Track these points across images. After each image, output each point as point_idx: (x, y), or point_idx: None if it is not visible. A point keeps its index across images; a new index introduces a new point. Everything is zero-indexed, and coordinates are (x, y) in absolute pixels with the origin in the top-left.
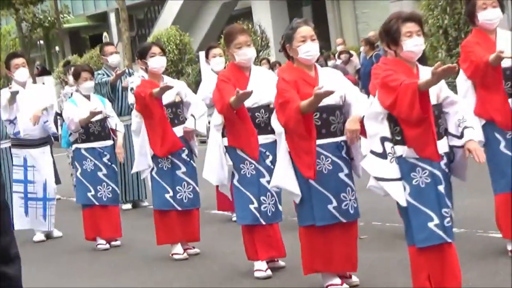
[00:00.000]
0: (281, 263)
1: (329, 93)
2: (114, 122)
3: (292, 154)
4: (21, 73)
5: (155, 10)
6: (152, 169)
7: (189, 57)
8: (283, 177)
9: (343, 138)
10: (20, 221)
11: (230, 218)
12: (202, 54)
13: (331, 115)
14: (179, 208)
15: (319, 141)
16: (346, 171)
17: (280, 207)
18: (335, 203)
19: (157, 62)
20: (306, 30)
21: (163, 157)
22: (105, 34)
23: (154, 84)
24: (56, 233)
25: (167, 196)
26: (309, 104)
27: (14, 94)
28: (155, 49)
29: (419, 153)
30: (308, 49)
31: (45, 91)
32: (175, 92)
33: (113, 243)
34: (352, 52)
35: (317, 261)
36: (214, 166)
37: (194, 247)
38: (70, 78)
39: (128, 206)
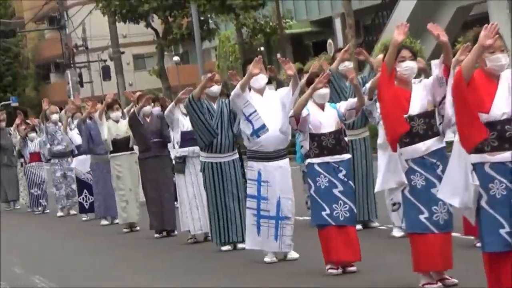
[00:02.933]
0: None
1: None
2: None
3: None
4: (258, 79)
5: (384, 16)
6: (404, 187)
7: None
8: None
9: None
10: (251, 240)
11: (473, 244)
12: (434, 63)
13: None
14: (436, 231)
15: None
16: None
17: None
18: None
19: (407, 67)
20: None
21: (416, 174)
22: (329, 41)
23: (402, 91)
24: (293, 254)
25: (421, 217)
26: None
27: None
28: (405, 53)
29: None
30: None
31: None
32: (427, 100)
33: (348, 268)
34: None
35: None
36: (457, 186)
37: (451, 277)
38: None
39: (359, 226)
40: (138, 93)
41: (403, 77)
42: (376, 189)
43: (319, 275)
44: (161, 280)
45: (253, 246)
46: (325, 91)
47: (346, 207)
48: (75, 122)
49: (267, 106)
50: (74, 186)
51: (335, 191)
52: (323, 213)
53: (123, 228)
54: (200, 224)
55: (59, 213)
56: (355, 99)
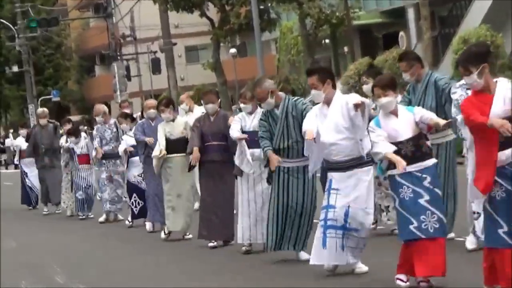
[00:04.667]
0: None
1: None
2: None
3: None
4: (315, 96)
5: (462, 6)
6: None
7: (502, 62)
8: None
9: None
10: (316, 255)
11: None
12: None
13: None
14: None
15: None
16: None
17: None
18: None
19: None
20: None
21: (496, 184)
22: (401, 33)
23: (483, 97)
24: (362, 268)
25: (500, 231)
26: None
27: None
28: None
29: None
30: None
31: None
32: (510, 105)
33: (422, 284)
34: None
35: None
36: None
37: None
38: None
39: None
40: (190, 95)
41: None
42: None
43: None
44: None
45: (318, 261)
46: (387, 99)
47: (434, 217)
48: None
49: (331, 117)
50: (119, 191)
51: (421, 201)
52: (411, 226)
53: (163, 235)
54: (249, 234)
55: (101, 218)
56: (431, 115)
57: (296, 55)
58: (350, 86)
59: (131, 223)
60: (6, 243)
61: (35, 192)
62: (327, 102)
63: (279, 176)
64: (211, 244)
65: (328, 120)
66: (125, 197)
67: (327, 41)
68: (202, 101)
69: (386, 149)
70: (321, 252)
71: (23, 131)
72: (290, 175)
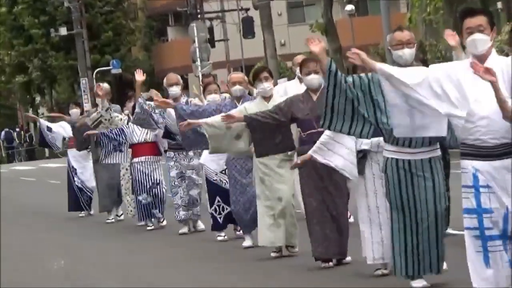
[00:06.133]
0: None
1: None
2: None
3: None
4: (475, 41)
5: None
6: None
7: None
8: None
9: None
10: (477, 275)
11: None
12: None
13: None
14: None
15: None
16: None
17: None
18: None
19: None
20: None
21: None
22: None
23: None
24: None
25: None
26: None
27: None
28: None
29: None
30: None
31: None
32: None
33: None
34: None
35: None
36: None
37: None
38: None
39: None
40: (300, 56)
41: None
42: None
43: None
44: None
45: (482, 284)
46: None
47: None
48: (209, 98)
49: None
50: (194, 192)
51: None
52: None
53: (272, 252)
54: (383, 251)
55: (182, 230)
56: None
57: (434, 13)
58: (504, 54)
59: (223, 236)
60: (53, 262)
61: (87, 193)
62: (481, 59)
63: (399, 174)
64: (325, 265)
65: (482, 83)
66: (199, 199)
67: None
68: (300, 73)
69: None
70: (483, 272)
71: (75, 110)
72: (414, 174)
